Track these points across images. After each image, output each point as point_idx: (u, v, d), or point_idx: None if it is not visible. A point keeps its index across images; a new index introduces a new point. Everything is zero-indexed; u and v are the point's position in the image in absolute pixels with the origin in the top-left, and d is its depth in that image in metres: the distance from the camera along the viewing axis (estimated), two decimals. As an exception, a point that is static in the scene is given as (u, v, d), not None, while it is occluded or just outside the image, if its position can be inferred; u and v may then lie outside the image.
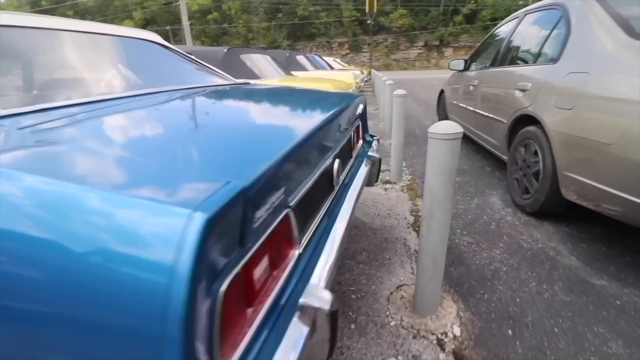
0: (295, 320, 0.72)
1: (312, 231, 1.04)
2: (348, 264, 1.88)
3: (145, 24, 34.90)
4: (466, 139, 4.42)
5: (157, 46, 1.87)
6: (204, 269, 0.49)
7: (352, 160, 1.74)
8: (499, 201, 2.69)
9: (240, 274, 0.62)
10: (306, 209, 0.99)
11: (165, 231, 0.44)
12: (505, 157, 2.83)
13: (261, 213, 0.65)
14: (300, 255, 0.92)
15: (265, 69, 4.39)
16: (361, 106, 1.85)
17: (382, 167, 3.54)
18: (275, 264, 0.81)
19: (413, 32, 32.95)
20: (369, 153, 1.89)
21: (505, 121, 2.73)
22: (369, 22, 20.30)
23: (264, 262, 0.73)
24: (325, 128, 1.12)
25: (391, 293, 1.64)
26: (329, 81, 3.98)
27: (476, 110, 3.48)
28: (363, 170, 1.70)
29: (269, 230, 0.72)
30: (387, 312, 1.51)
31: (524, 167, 2.43)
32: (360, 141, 2.06)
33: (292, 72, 5.54)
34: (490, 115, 3.08)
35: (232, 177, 0.58)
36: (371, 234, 2.21)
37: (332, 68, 9.00)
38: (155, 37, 1.92)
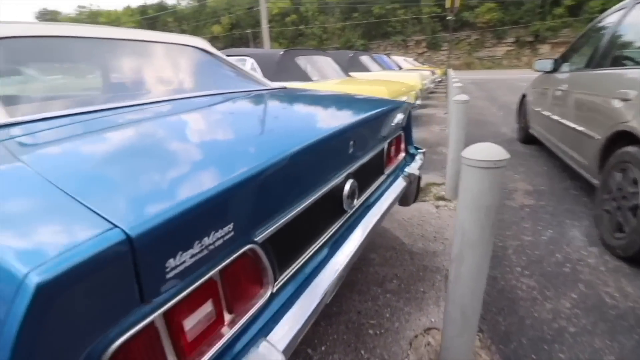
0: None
1: (302, 264, 0.91)
2: (374, 291, 1.69)
3: (231, 28, 38.11)
4: (550, 153, 3.75)
5: (200, 52, 1.92)
6: (47, 342, 0.40)
7: (382, 177, 1.55)
8: (580, 236, 2.18)
9: (148, 329, 0.53)
10: (291, 241, 0.87)
11: (3, 289, 0.37)
12: (595, 181, 2.29)
13: (185, 258, 0.54)
14: (272, 295, 0.80)
15: (323, 71, 4.34)
16: (401, 115, 1.64)
17: (438, 181, 3.20)
18: (232, 307, 0.70)
19: (502, 27, 29.84)
20: (406, 169, 1.67)
21: (598, 137, 2.20)
22: (449, 17, 18.96)
23: (205, 308, 0.63)
24: (331, 142, 0.97)
25: (416, 336, 1.42)
26: (386, 83, 3.74)
27: (563, 120, 2.91)
28: (395, 189, 1.50)
29: (206, 276, 0.62)
30: (406, 360, 1.30)
31: (618, 198, 1.92)
32: (402, 154, 1.84)
33: (353, 74, 5.41)
34: (579, 128, 2.53)
35: (132, 215, 0.49)
36: (408, 259, 1.97)
37: (400, 68, 8.57)
38: (201, 43, 1.97)
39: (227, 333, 0.68)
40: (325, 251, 1.02)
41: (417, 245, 2.11)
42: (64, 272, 0.39)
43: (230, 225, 0.63)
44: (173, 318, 0.57)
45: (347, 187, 1.12)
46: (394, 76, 5.03)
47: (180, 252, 0.53)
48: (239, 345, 0.67)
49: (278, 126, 1.14)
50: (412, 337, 1.41)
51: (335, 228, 1.10)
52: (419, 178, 1.71)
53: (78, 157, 0.76)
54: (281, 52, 3.69)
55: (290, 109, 1.45)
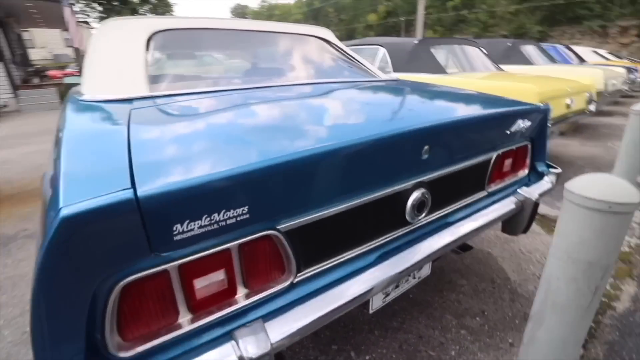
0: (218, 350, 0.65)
1: (336, 263, 0.88)
2: (447, 320, 1.48)
3: (386, 16, 38.04)
4: None
5: (321, 42, 2.00)
6: (76, 263, 0.51)
7: (481, 194, 1.30)
8: None
9: (158, 277, 0.62)
10: (325, 238, 0.84)
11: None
12: None
13: (193, 227, 0.60)
14: (293, 285, 0.81)
15: (465, 63, 3.85)
16: (528, 122, 1.32)
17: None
18: (249, 283, 0.75)
19: None
20: (521, 190, 1.36)
21: None
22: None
23: (217, 275, 0.69)
24: (395, 143, 0.87)
25: (479, 391, 1.18)
26: (541, 80, 3.02)
27: None
28: (496, 211, 1.25)
29: (219, 248, 0.67)
30: (455, 413, 1.10)
31: None
32: (523, 171, 1.50)
33: (507, 67, 4.61)
34: None
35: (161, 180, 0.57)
36: (507, 299, 1.62)
37: (582, 62, 6.73)
38: (324, 33, 2.06)
39: (237, 304, 0.73)
40: (370, 258, 0.95)
41: (525, 286, 1.70)
42: (82, 212, 0.50)
43: (245, 208, 0.66)
44: (185, 275, 0.66)
45: (413, 196, 0.99)
46: (563, 72, 4.00)
47: (187, 221, 0.60)
48: (241, 319, 0.72)
49: (348, 116, 1.09)
50: (473, 390, 1.18)
51: (390, 238, 1.00)
52: (536, 205, 1.35)
53: (172, 126, 0.93)
54: (415, 42, 3.46)
55: (377, 101, 1.36)
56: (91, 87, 1.17)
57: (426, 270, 1.22)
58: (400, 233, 1.03)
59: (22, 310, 1.62)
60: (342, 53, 2.01)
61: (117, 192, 0.53)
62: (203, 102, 1.17)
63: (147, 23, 1.44)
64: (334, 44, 2.05)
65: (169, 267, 0.63)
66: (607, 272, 0.68)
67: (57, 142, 0.79)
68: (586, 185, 0.66)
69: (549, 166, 1.53)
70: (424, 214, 1.05)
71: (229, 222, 0.65)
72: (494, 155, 1.28)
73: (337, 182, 0.81)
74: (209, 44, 1.70)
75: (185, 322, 0.68)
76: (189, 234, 0.61)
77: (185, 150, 0.73)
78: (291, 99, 1.30)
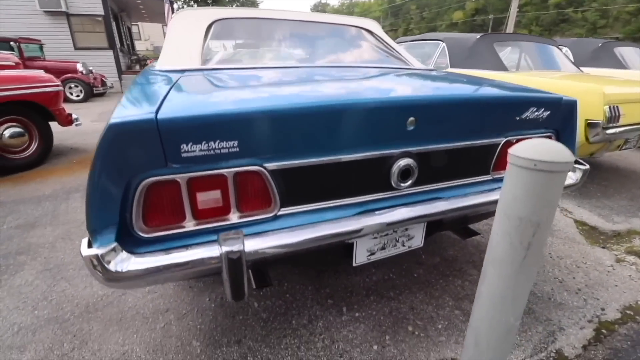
0: (206, 248, 0.89)
1: (318, 208, 1.06)
2: (444, 300, 1.54)
3: (474, 14, 35.62)
4: None
5: (366, 32, 2.16)
6: (116, 158, 0.79)
7: (485, 177, 1.35)
8: None
9: (171, 184, 0.88)
10: (307, 183, 1.02)
11: None
12: None
13: (195, 149, 0.84)
14: (276, 216, 1.01)
15: (537, 62, 3.61)
16: (545, 112, 1.32)
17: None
18: (241, 207, 0.97)
19: None
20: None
21: None
22: None
23: (215, 193, 0.93)
24: (382, 112, 1.01)
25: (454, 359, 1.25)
26: (625, 83, 2.73)
27: None
28: (494, 196, 1.29)
29: (216, 171, 0.90)
30: (423, 370, 1.20)
31: None
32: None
33: (591, 70, 4.16)
34: None
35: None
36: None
37: None
38: (371, 25, 2.21)
39: (229, 220, 0.96)
40: (352, 210, 1.10)
41: (541, 286, 1.66)
42: (122, 122, 0.77)
43: (235, 142, 0.88)
44: (191, 188, 0.91)
45: (399, 164, 1.12)
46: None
47: (191, 143, 0.84)
48: (230, 230, 0.95)
49: (350, 86, 1.24)
50: (448, 358, 1.25)
51: (375, 198, 1.14)
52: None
53: (203, 86, 1.21)
54: (477, 37, 3.36)
55: (387, 80, 1.48)
56: (160, 62, 1.53)
57: (417, 241, 1.32)
58: (385, 196, 1.16)
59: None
60: (383, 43, 2.14)
61: (145, 114, 0.79)
62: (237, 72, 1.44)
63: (210, 12, 1.77)
64: (377, 34, 2.18)
65: (179, 179, 0.88)
66: (538, 229, 0.74)
67: (124, 92, 1.11)
68: (522, 147, 0.73)
69: (576, 162, 1.48)
70: (409, 182, 1.16)
71: (222, 151, 0.87)
72: (502, 140, 1.31)
73: (317, 137, 0.98)
74: (260, 31, 1.98)
75: (189, 225, 0.93)
76: (192, 154, 0.85)
77: (202, 99, 0.98)
78: (314, 72, 1.50)
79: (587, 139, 2.47)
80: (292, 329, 1.38)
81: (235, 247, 0.86)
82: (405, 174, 1.14)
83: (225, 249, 0.86)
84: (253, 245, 0.91)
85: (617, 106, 2.42)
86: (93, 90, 8.72)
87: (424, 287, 1.63)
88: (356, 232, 1.05)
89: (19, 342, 1.31)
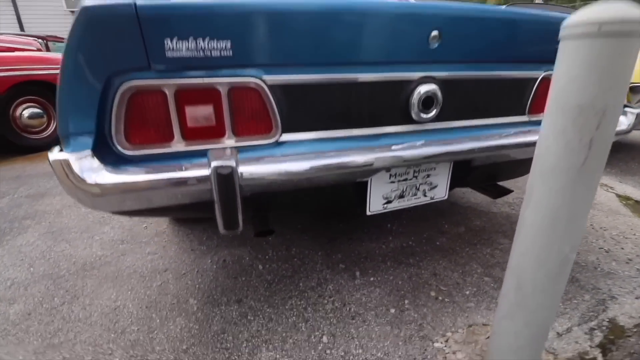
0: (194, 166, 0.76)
1: (324, 137, 0.92)
2: (471, 268, 1.36)
3: None
4: None
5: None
6: (90, 49, 0.67)
7: (521, 118, 1.16)
8: None
9: (156, 94, 0.75)
10: (313, 105, 0.88)
11: None
12: None
13: (181, 47, 0.71)
14: (278, 142, 0.88)
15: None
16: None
17: None
18: (237, 130, 0.84)
19: None
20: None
21: None
22: None
23: (207, 109, 0.80)
24: (399, 18, 0.85)
25: (485, 325, 1.06)
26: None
27: None
28: (530, 138, 1.12)
29: (207, 80, 0.77)
30: (445, 340, 1.03)
31: None
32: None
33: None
34: None
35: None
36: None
37: None
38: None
39: (223, 144, 0.83)
40: (365, 143, 0.95)
41: (585, 255, 1.44)
42: (97, 7, 0.65)
43: (228, 43, 0.75)
44: (179, 100, 0.78)
45: (419, 90, 0.96)
46: None
47: (176, 38, 0.71)
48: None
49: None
50: (479, 323, 1.07)
51: (392, 131, 0.99)
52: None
53: None
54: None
55: None
56: None
57: (441, 191, 1.15)
58: (405, 130, 1.00)
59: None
60: None
61: (124, 2, 0.68)
62: None
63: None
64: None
65: (165, 88, 0.76)
66: (604, 119, 0.57)
67: None
68: (578, 14, 0.56)
69: (625, 106, 1.27)
70: (432, 114, 1.00)
71: (213, 54, 0.74)
72: (540, 74, 1.13)
73: (324, 45, 0.83)
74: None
75: (178, 146, 0.81)
76: (178, 54, 0.72)
77: None
78: None
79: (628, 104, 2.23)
80: (299, 290, 1.24)
81: (227, 162, 0.73)
82: (427, 103, 0.98)
83: (215, 163, 0.73)
84: (249, 169, 0.78)
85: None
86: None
87: (448, 255, 1.45)
88: (368, 166, 0.89)
89: (9, 295, 1.23)
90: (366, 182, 1.02)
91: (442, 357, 0.95)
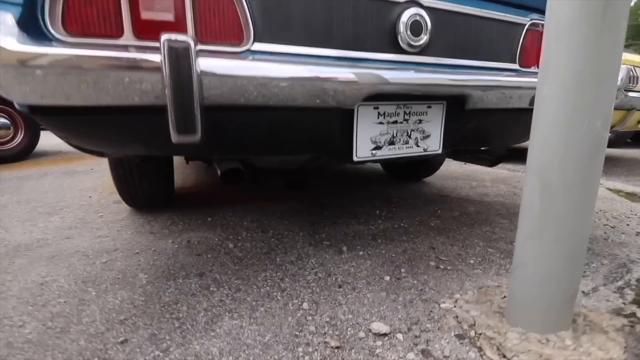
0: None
1: (297, 52, 0.80)
2: (472, 242, 1.19)
3: None
4: None
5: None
6: None
7: (509, 64, 1.09)
8: None
9: None
10: (290, 15, 0.78)
11: None
12: None
13: None
14: (250, 51, 0.75)
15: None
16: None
17: None
18: (202, 35, 0.71)
19: None
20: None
21: None
22: None
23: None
24: None
25: (498, 286, 0.88)
26: None
27: None
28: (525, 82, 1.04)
29: None
30: (454, 301, 0.84)
31: None
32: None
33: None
34: None
35: None
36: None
37: None
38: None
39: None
40: (343, 62, 0.83)
41: (594, 232, 1.30)
42: None
43: None
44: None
45: (406, 14, 0.87)
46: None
47: None
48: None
49: None
50: (490, 285, 0.89)
51: (376, 57, 0.88)
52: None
53: None
54: None
55: None
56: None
57: (434, 143, 1.03)
58: (392, 58, 0.90)
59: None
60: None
61: None
62: None
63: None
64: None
65: None
66: None
67: None
68: None
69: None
70: (421, 42, 0.91)
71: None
72: (526, 22, 1.08)
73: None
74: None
75: (128, 40, 0.67)
76: None
77: None
78: None
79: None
80: (276, 264, 1.03)
81: (182, 37, 0.59)
82: (415, 30, 0.89)
83: (167, 36, 0.59)
84: (211, 62, 0.64)
85: (636, 67, 2.23)
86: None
87: (445, 233, 1.29)
88: (352, 84, 0.77)
89: None
90: (352, 121, 0.89)
91: (452, 317, 0.75)
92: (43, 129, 3.31)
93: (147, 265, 1.02)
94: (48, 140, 4.10)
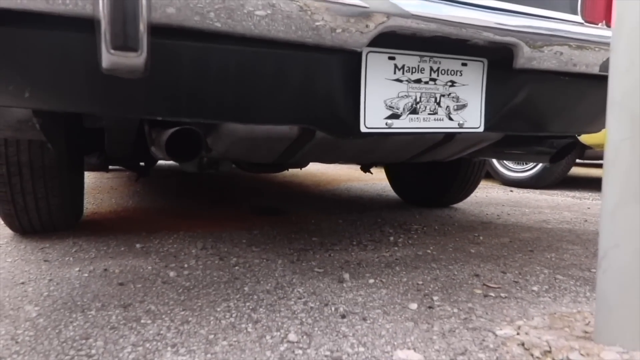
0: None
1: None
2: (533, 269, 1.19)
3: None
4: None
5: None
6: None
7: (570, 16, 1.18)
8: None
9: None
10: None
11: None
12: None
13: None
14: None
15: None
16: None
17: None
18: None
19: None
20: None
21: None
22: None
23: None
24: None
25: (553, 314, 0.87)
26: None
27: None
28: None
29: None
30: (517, 327, 0.82)
31: None
32: None
33: None
34: None
35: None
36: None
37: None
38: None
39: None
40: None
41: None
42: None
43: None
44: None
45: None
46: None
47: None
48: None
49: None
50: (563, 312, 0.88)
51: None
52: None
53: None
54: None
55: None
56: None
57: (473, 116, 1.08)
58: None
59: None
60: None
61: None
62: None
63: None
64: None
65: None
66: None
67: None
68: None
69: None
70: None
71: None
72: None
73: None
74: None
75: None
76: None
77: None
78: None
79: None
80: (243, 294, 0.99)
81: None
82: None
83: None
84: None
85: None
86: None
87: (492, 260, 1.29)
88: (356, 12, 0.81)
89: None
90: (359, 74, 0.92)
91: (515, 344, 0.73)
92: None
93: (37, 296, 0.96)
94: None
